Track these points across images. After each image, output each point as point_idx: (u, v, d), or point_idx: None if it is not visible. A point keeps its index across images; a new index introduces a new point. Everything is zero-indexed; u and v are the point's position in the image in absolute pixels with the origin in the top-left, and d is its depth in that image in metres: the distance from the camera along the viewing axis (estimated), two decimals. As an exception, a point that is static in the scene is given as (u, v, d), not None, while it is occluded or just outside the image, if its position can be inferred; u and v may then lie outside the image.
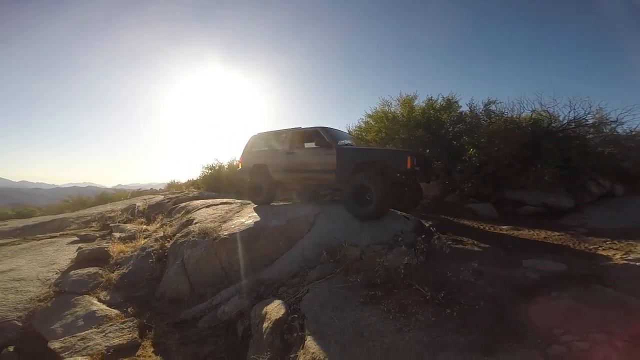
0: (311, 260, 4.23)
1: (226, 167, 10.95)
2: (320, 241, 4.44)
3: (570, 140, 5.83)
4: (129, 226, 6.83)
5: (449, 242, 4.50)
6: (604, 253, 4.02)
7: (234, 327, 3.52)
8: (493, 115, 7.03)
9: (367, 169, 5.16)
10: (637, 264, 3.51)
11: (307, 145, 6.39)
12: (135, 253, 5.22)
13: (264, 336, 2.91)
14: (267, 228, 4.73)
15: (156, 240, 5.52)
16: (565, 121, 6.26)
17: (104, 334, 3.37)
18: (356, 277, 3.45)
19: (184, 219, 6.15)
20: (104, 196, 11.95)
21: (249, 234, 4.68)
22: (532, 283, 3.21)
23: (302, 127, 6.12)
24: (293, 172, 6.00)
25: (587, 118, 6.17)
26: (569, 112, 6.21)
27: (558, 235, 4.77)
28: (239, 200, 7.01)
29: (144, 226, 6.76)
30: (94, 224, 7.55)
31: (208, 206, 6.73)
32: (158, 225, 6.78)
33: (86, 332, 3.42)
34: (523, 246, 4.48)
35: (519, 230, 5.16)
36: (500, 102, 7.03)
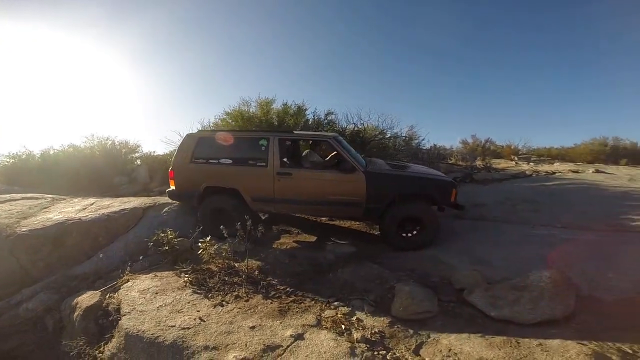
0: (136, 254, 4.40)
1: (38, 156, 9.26)
2: (148, 234, 4.59)
3: (379, 149, 7.80)
4: None
5: (276, 232, 5.38)
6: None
7: (42, 322, 3.50)
8: (330, 124, 8.56)
9: (414, 199, 4.70)
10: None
11: (307, 157, 5.28)
12: None
13: (76, 324, 3.09)
14: (81, 223, 4.58)
15: None
16: (376, 132, 8.35)
17: None
18: (184, 265, 3.82)
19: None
20: None
21: (58, 229, 4.42)
22: (328, 262, 4.28)
23: (295, 131, 4.99)
24: (292, 204, 4.73)
25: (387, 131, 8.42)
26: (377, 125, 8.34)
27: (358, 225, 6.23)
28: (50, 196, 6.19)
29: None
30: None
31: (3, 202, 5.75)
32: None
33: None
34: (334, 233, 5.68)
35: (333, 220, 6.45)
36: (336, 114, 8.68)
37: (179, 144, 5.14)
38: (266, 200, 4.70)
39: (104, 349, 2.74)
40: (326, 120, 8.53)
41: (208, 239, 3.91)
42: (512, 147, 11.81)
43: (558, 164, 10.00)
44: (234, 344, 2.42)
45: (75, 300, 3.33)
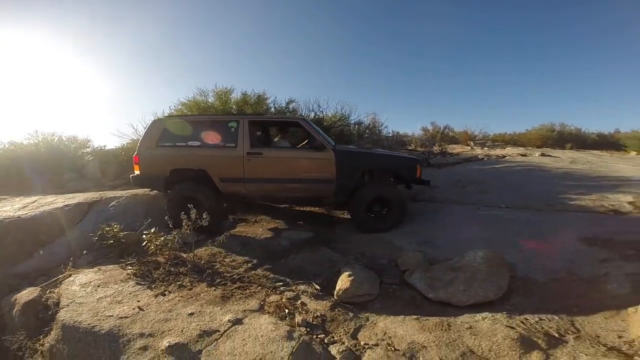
0: (80, 249, 4.26)
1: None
2: (94, 229, 4.45)
3: (342, 136, 7.96)
4: None
5: (232, 221, 5.37)
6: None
7: None
8: (292, 112, 8.60)
9: (379, 177, 4.96)
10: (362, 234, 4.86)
11: (278, 143, 5.29)
12: None
13: (16, 319, 3.07)
14: (20, 221, 4.38)
15: None
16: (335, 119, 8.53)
17: None
18: (129, 258, 3.76)
19: None
20: None
21: None
22: (281, 249, 4.32)
23: (266, 114, 5.04)
24: (262, 183, 4.75)
25: (349, 118, 8.64)
26: (336, 112, 8.54)
27: (318, 210, 6.33)
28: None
29: None
30: None
31: None
32: None
33: None
34: (297, 218, 5.76)
35: (293, 207, 6.50)
36: (297, 102, 8.73)
37: (144, 130, 5.10)
38: (235, 180, 4.72)
39: (43, 341, 2.73)
40: (288, 109, 8.55)
41: (153, 230, 3.85)
42: (469, 133, 12.38)
43: (509, 148, 10.57)
44: (171, 330, 2.44)
45: (14, 297, 3.27)
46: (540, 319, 2.55)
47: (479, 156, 8.78)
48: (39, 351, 2.69)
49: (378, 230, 4.69)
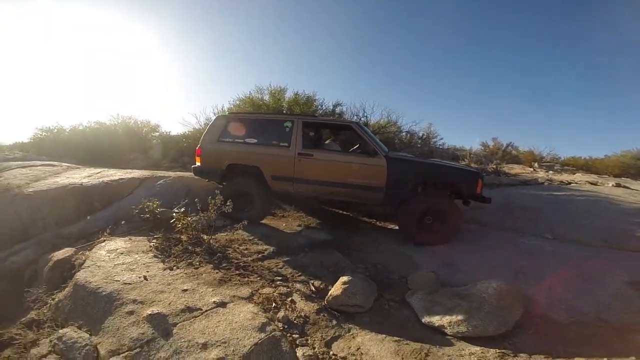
0: (122, 219, 4.76)
1: (67, 131, 10.24)
2: (139, 202, 4.92)
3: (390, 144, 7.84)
4: None
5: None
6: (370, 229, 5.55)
7: (21, 274, 3.87)
8: (339, 115, 8.70)
9: (432, 188, 4.77)
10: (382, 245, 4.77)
11: (329, 146, 5.30)
12: None
13: (44, 274, 3.47)
14: (81, 188, 5.07)
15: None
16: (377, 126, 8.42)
17: None
18: (158, 232, 4.12)
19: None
20: None
21: (59, 192, 4.93)
22: (296, 246, 4.39)
23: (319, 116, 5.35)
24: (310, 184, 4.81)
25: (401, 126, 8.48)
26: (381, 118, 8.42)
27: (346, 214, 6.31)
28: (66, 164, 6.83)
29: None
30: None
31: (24, 167, 6.44)
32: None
33: None
34: (323, 218, 5.82)
35: (324, 207, 6.54)
36: (343, 105, 8.80)
37: (207, 124, 5.61)
38: (285, 179, 4.84)
39: (55, 296, 3.09)
40: (335, 111, 8.67)
41: (182, 210, 4.19)
42: (535, 154, 11.09)
43: (579, 174, 9.33)
44: (160, 301, 2.65)
45: (51, 255, 3.72)
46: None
47: (540, 180, 7.92)
48: (48, 304, 3.04)
49: (427, 243, 4.49)
